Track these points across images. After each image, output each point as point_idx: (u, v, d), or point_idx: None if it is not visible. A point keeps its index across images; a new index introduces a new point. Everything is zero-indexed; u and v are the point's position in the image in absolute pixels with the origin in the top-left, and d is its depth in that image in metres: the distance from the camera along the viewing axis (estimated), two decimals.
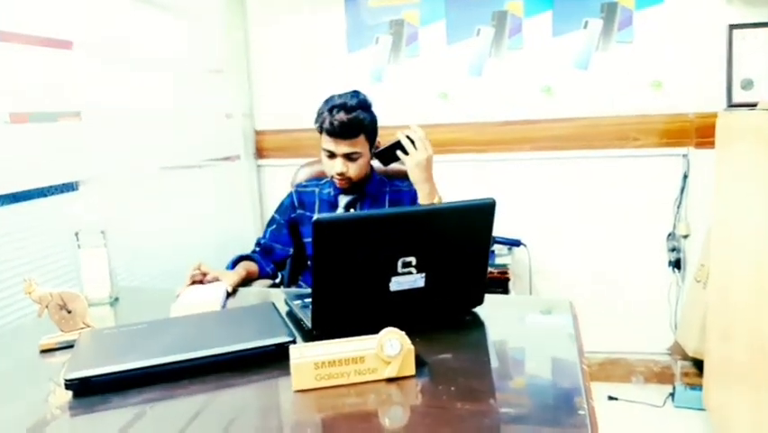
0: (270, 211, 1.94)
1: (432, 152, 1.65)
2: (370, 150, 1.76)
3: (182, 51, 2.31)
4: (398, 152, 1.66)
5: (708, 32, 2.37)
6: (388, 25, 2.61)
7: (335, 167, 1.72)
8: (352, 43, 2.66)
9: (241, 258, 1.78)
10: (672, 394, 2.47)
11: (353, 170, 1.73)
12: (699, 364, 2.37)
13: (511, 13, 2.51)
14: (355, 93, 1.74)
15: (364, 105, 1.72)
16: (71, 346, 1.07)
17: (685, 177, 2.48)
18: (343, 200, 1.82)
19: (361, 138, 1.72)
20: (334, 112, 1.68)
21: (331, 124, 1.67)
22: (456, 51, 2.58)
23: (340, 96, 1.73)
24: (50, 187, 1.71)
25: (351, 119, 1.67)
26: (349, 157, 1.72)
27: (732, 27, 2.29)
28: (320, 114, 1.73)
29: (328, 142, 1.71)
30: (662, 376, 2.62)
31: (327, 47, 2.69)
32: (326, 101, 1.74)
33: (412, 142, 1.64)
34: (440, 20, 2.57)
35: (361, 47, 2.65)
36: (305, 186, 1.92)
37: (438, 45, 2.59)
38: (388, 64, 2.64)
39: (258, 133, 2.81)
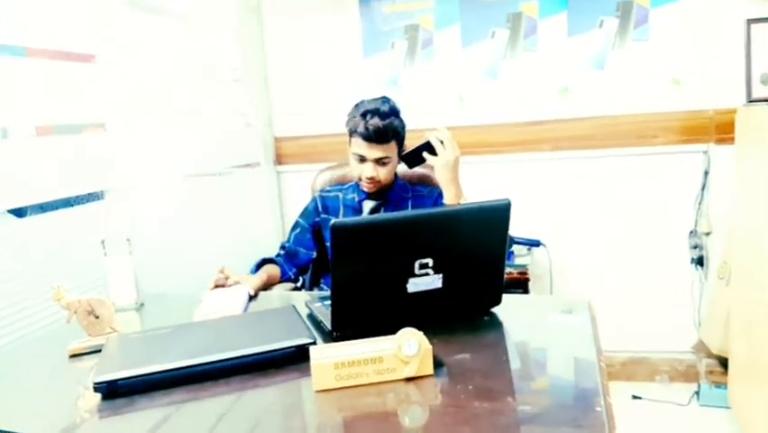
0: (290, 216, 1.97)
1: (459, 153, 1.66)
2: (398, 154, 1.78)
3: (202, 61, 2.35)
4: (425, 154, 1.66)
5: (726, 26, 2.35)
6: (403, 30, 2.63)
7: (366, 171, 1.74)
8: (367, 49, 2.68)
9: (264, 261, 1.81)
10: (697, 393, 2.44)
11: (383, 174, 1.75)
12: (723, 362, 2.35)
13: (526, 14, 2.51)
14: (386, 99, 1.76)
15: (396, 112, 1.75)
16: (99, 351, 1.10)
17: (706, 173, 2.46)
18: (368, 206, 1.85)
19: (393, 144, 1.74)
20: (368, 117, 1.70)
21: (366, 129, 1.69)
22: (471, 54, 2.59)
23: (370, 101, 1.75)
24: (77, 197, 1.75)
25: (386, 125, 1.69)
26: (379, 162, 1.74)
27: (750, 21, 2.27)
28: (351, 118, 1.75)
29: (360, 147, 1.72)
30: (687, 375, 2.59)
31: (343, 53, 2.72)
32: (357, 106, 1.76)
33: (440, 142, 1.65)
34: (454, 23, 2.58)
35: (377, 52, 2.67)
36: (328, 191, 1.94)
37: (453, 48, 2.60)
38: (404, 68, 2.66)
39: (277, 139, 2.84)
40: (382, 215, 1.75)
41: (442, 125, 1.67)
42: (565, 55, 2.51)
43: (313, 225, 1.90)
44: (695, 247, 2.50)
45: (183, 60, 2.23)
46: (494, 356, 1.08)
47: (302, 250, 1.87)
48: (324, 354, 0.95)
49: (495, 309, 1.25)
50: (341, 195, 1.90)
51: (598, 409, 0.84)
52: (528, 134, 2.59)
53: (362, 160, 1.74)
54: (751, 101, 2.26)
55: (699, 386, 2.44)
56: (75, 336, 1.20)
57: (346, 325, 1.12)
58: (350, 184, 1.92)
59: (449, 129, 1.65)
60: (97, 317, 1.20)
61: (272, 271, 1.77)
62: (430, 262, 1.12)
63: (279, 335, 1.06)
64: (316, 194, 1.96)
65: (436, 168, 1.66)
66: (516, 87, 2.57)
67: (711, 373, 2.44)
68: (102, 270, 1.47)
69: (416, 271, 1.12)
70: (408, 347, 0.94)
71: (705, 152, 2.45)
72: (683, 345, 2.59)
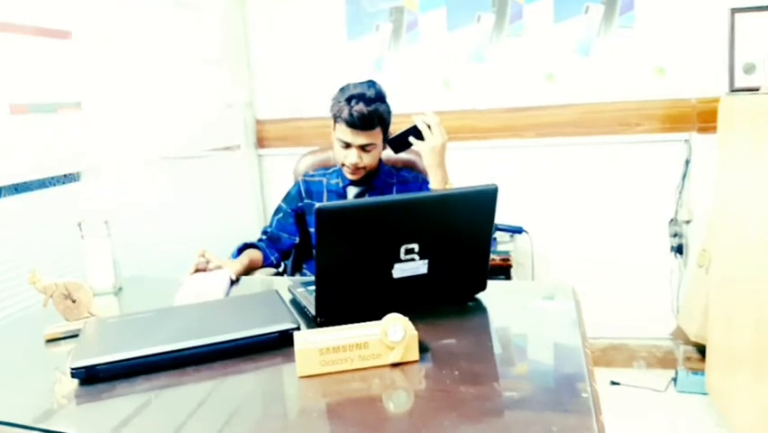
0: (271, 200, 1.95)
1: (447, 138, 1.63)
2: (384, 140, 1.75)
3: (182, 41, 2.30)
4: (411, 139, 1.64)
5: (710, 16, 2.36)
6: (388, 12, 2.60)
7: (350, 157, 1.71)
8: (351, 31, 2.65)
9: (246, 246, 1.79)
10: (675, 379, 2.48)
11: (367, 160, 1.73)
12: (701, 349, 2.38)
13: None
14: (371, 83, 1.72)
15: (382, 97, 1.71)
16: (76, 336, 1.08)
17: (687, 162, 2.47)
18: (352, 192, 1.83)
19: (378, 130, 1.71)
20: (353, 103, 1.66)
21: (350, 115, 1.65)
22: (457, 38, 2.57)
23: (355, 85, 1.71)
24: (52, 178, 1.71)
25: (371, 111, 1.66)
26: (364, 148, 1.71)
27: (734, 11, 2.28)
28: (336, 103, 1.71)
29: (344, 133, 1.69)
30: (665, 361, 2.63)
31: (327, 35, 2.68)
32: (342, 90, 1.72)
33: (428, 127, 1.62)
34: (440, 6, 2.55)
35: (362, 34, 2.64)
36: (312, 175, 1.91)
37: (439, 32, 2.58)
38: (389, 51, 2.63)
39: (259, 122, 2.80)
40: (368, 199, 1.73)
41: (429, 110, 1.65)
42: (551, 41, 2.50)
43: (296, 209, 1.87)
44: (675, 235, 2.53)
45: (163, 40, 2.18)
46: (479, 342, 1.07)
47: (284, 235, 1.85)
48: (309, 340, 0.94)
49: (479, 295, 1.24)
50: (325, 180, 1.88)
51: (584, 394, 0.84)
52: (513, 120, 2.58)
53: (347, 146, 1.71)
54: (734, 90, 2.28)
55: (676, 373, 2.48)
56: (51, 320, 1.17)
57: (330, 310, 1.10)
58: (334, 168, 1.89)
59: (434, 113, 1.63)
60: (74, 301, 1.17)
61: (254, 255, 1.74)
62: (416, 247, 1.11)
63: (263, 320, 1.04)
64: (300, 178, 1.94)
65: (423, 152, 1.64)
66: (501, 73, 2.56)
67: (689, 359, 2.48)
68: (79, 253, 1.43)
69: (402, 256, 1.10)
70: (394, 333, 0.93)
71: (686, 141, 2.46)
72: (661, 332, 2.62)
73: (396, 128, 1.71)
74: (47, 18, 1.67)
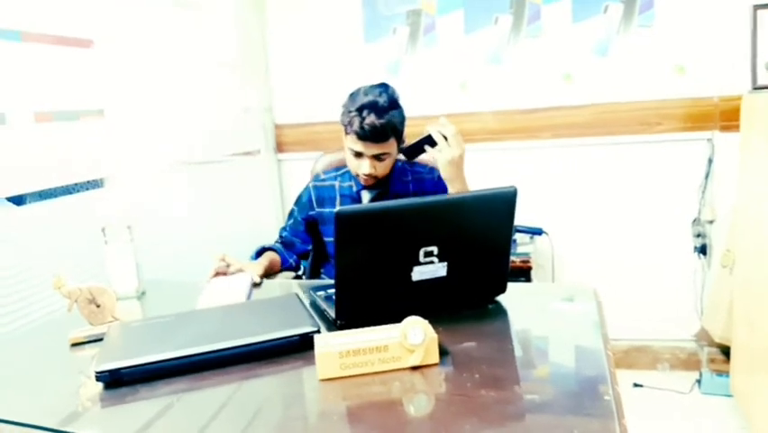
0: (290, 205, 1.94)
1: (464, 148, 1.55)
2: (398, 146, 1.68)
3: (201, 47, 2.33)
4: (426, 147, 1.58)
5: (732, 13, 2.33)
6: (405, 15, 2.60)
7: (363, 168, 1.64)
8: (369, 34, 2.65)
9: (264, 249, 1.78)
10: (699, 381, 2.44)
11: (381, 169, 1.66)
12: (725, 351, 2.34)
13: (530, 0, 2.48)
14: (383, 88, 1.63)
15: (395, 104, 1.63)
16: (100, 340, 1.09)
17: (710, 161, 2.44)
18: (366, 196, 1.76)
19: (392, 140, 1.64)
20: (365, 114, 1.57)
21: (362, 127, 1.57)
22: (474, 40, 2.56)
23: (366, 91, 1.62)
24: (76, 184, 1.74)
25: (383, 124, 1.58)
26: (377, 157, 1.64)
27: (756, 8, 2.24)
28: (347, 112, 1.62)
29: (356, 144, 1.62)
30: (689, 363, 2.59)
31: (344, 38, 2.69)
32: (353, 97, 1.64)
33: (444, 137, 1.54)
34: (458, 9, 2.55)
35: (379, 38, 2.65)
36: (323, 180, 1.84)
37: (456, 34, 2.57)
38: (406, 54, 2.63)
39: (278, 127, 2.82)
40: (387, 202, 1.66)
41: (443, 117, 1.59)
42: (569, 41, 2.48)
43: (306, 218, 1.83)
44: (698, 235, 2.49)
45: (183, 46, 2.21)
46: (500, 345, 1.07)
47: (297, 241, 1.84)
48: (329, 343, 0.94)
49: (499, 298, 1.23)
50: (337, 183, 1.81)
51: (607, 397, 0.83)
52: (531, 122, 2.57)
53: (359, 155, 1.65)
54: (756, 88, 2.24)
55: (700, 374, 2.44)
56: (76, 324, 1.19)
57: (350, 313, 1.11)
58: (346, 169, 1.81)
59: (450, 117, 1.60)
60: (99, 306, 1.19)
61: (273, 257, 1.74)
62: (435, 250, 1.10)
63: (283, 323, 1.05)
64: (310, 184, 1.86)
65: (440, 165, 1.57)
66: (519, 74, 2.55)
67: (713, 361, 2.44)
68: (102, 258, 1.45)
69: (421, 259, 1.10)
70: (414, 336, 0.93)
71: (709, 140, 2.43)
72: (685, 334, 2.59)
73: (411, 131, 1.67)
74: (69, 27, 1.70)
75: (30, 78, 1.56)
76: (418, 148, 1.60)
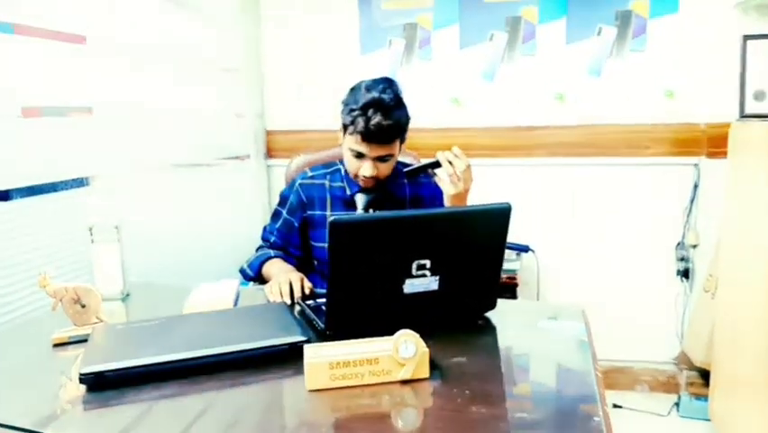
0: None
1: (472, 181, 1.48)
2: (401, 146, 1.60)
3: (195, 49, 2.32)
4: (430, 170, 1.52)
5: (722, 42, 2.36)
6: (401, 28, 2.61)
7: (365, 170, 1.55)
8: (365, 45, 2.66)
9: (268, 257, 1.68)
10: (678, 404, 2.46)
11: (383, 170, 1.58)
12: (705, 375, 2.36)
13: (525, 19, 2.50)
14: (387, 83, 1.54)
15: (400, 102, 1.54)
16: (84, 341, 1.08)
17: (696, 187, 2.47)
18: (361, 200, 1.66)
19: (397, 141, 1.56)
20: (370, 113, 1.47)
21: (367, 128, 1.47)
22: (469, 56, 2.58)
23: (369, 87, 1.52)
24: (62, 182, 1.71)
25: (390, 126, 1.49)
26: (380, 159, 1.55)
27: (746, 38, 2.28)
28: (350, 110, 1.52)
29: (359, 145, 1.52)
30: (668, 386, 2.61)
31: (340, 48, 2.69)
32: (355, 93, 1.54)
33: (451, 164, 1.46)
34: (453, 24, 2.56)
35: (374, 49, 2.65)
36: (311, 178, 1.72)
37: (451, 49, 2.59)
38: (401, 67, 2.64)
39: (269, 133, 2.81)
40: (382, 213, 1.56)
41: (457, 148, 1.47)
42: (562, 61, 2.50)
43: (301, 222, 1.72)
44: (682, 259, 2.52)
45: (176, 47, 2.19)
46: (490, 361, 1.07)
47: (290, 246, 1.73)
48: (319, 353, 0.93)
49: (488, 314, 1.23)
50: (327, 183, 1.70)
51: (597, 418, 0.84)
52: (522, 139, 2.58)
53: (360, 155, 1.55)
54: (744, 116, 2.28)
55: (679, 397, 2.46)
56: (58, 324, 1.17)
57: (340, 324, 1.10)
58: (335, 168, 1.71)
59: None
60: (84, 306, 1.17)
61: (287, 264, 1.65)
62: (428, 263, 1.10)
63: (272, 331, 1.04)
64: (297, 182, 1.73)
65: (445, 197, 1.49)
66: (512, 92, 2.57)
67: (692, 384, 2.45)
68: (88, 257, 1.43)
69: (414, 272, 1.10)
70: (405, 349, 0.92)
71: (696, 165, 2.46)
72: (665, 356, 2.61)
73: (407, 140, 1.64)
74: (62, 22, 1.67)
75: (19, 72, 1.53)
76: (423, 171, 1.56)
